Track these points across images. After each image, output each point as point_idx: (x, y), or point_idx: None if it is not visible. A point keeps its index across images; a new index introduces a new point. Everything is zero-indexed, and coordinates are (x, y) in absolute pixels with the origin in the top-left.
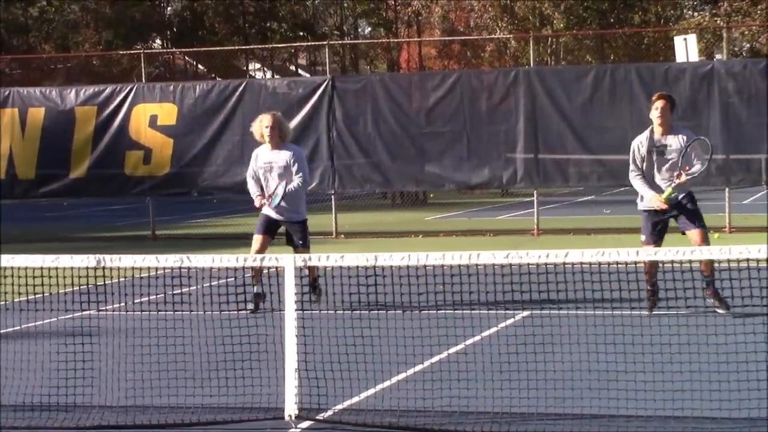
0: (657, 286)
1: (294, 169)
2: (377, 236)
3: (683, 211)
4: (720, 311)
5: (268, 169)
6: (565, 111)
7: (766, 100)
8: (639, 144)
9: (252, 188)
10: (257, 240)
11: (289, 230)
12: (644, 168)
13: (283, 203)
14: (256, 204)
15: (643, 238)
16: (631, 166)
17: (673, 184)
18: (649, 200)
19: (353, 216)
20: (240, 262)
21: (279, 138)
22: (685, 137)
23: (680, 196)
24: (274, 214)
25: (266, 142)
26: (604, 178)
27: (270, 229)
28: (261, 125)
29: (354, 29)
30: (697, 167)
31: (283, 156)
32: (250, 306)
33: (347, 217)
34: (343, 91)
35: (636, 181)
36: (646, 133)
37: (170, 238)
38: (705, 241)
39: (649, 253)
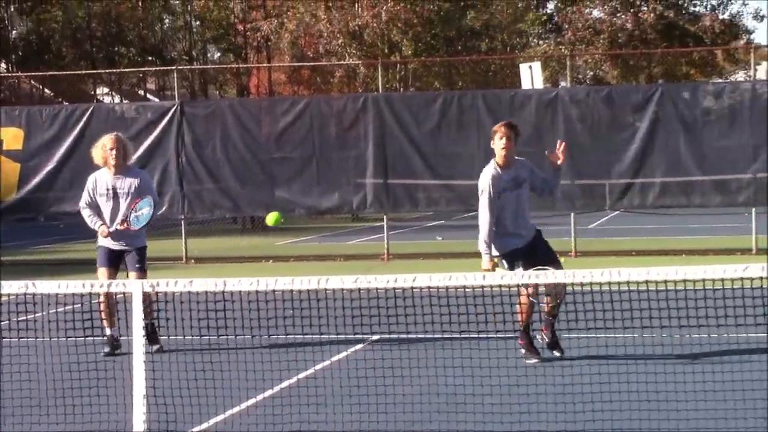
0: (530, 332)
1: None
2: (228, 261)
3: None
4: (531, 361)
5: (111, 195)
6: (414, 136)
7: (608, 126)
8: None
9: (91, 217)
10: (103, 274)
11: (127, 258)
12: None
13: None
14: (101, 234)
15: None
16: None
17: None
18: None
19: (204, 241)
20: (87, 288)
21: (123, 161)
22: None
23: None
24: (114, 245)
25: (110, 167)
26: (453, 203)
27: (113, 261)
28: (104, 148)
29: (203, 54)
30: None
31: (129, 181)
32: (106, 349)
33: (197, 242)
34: (192, 116)
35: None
36: (491, 164)
37: (16, 264)
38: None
39: (495, 278)
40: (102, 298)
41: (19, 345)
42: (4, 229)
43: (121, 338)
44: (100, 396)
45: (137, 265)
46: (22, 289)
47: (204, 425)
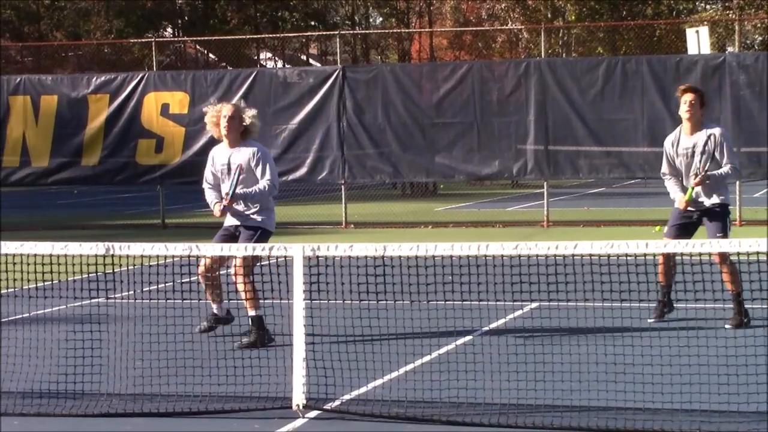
0: (669, 293)
1: (258, 171)
2: (387, 227)
3: (707, 221)
4: (727, 326)
5: (225, 171)
6: (576, 103)
7: None
8: (669, 144)
9: (209, 196)
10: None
11: (240, 237)
12: (681, 169)
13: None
14: (216, 213)
15: (665, 230)
16: (663, 167)
17: (691, 184)
18: (675, 199)
19: (363, 206)
20: (249, 251)
21: (238, 133)
22: (716, 134)
23: (707, 202)
24: (229, 222)
25: (223, 138)
26: (615, 170)
27: (225, 239)
28: (218, 115)
29: (365, 19)
30: (725, 168)
31: (244, 155)
32: (204, 324)
33: (357, 207)
34: (354, 81)
35: (666, 183)
36: (676, 132)
37: (180, 227)
38: (723, 258)
39: (658, 246)
40: (201, 270)
41: (183, 306)
42: (167, 191)
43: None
44: (261, 358)
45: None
46: (186, 251)
47: (362, 389)
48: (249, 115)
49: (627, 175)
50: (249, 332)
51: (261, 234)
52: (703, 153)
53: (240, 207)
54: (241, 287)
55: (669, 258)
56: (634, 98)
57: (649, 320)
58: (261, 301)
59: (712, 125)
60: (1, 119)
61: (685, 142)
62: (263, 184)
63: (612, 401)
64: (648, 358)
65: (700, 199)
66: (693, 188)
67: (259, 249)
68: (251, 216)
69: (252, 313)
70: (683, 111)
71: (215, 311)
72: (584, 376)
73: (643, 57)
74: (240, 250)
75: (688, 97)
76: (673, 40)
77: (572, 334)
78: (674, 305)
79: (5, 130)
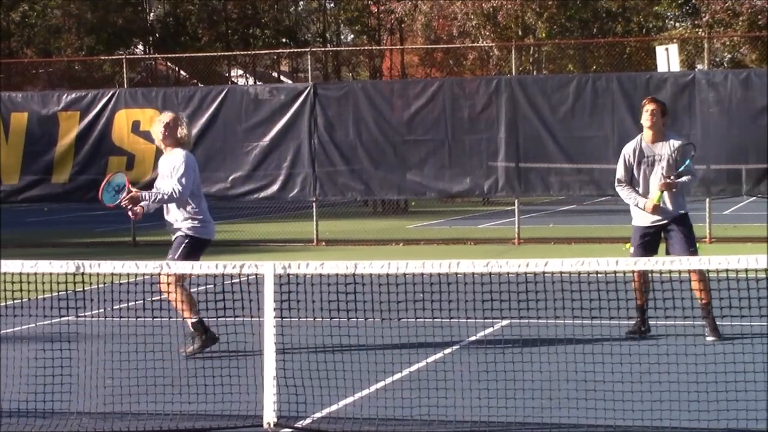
0: (646, 309)
1: (174, 176)
2: (358, 244)
3: (674, 231)
4: (709, 339)
5: (159, 175)
6: (547, 120)
7: (746, 110)
8: (629, 153)
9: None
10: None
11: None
12: (637, 177)
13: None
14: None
15: (631, 250)
16: (618, 174)
17: (659, 184)
18: (638, 204)
19: (334, 223)
20: (219, 269)
21: (173, 139)
22: (676, 143)
23: (673, 211)
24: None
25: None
26: (586, 187)
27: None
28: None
29: (336, 36)
30: (688, 177)
31: (169, 160)
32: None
33: (328, 224)
34: (326, 98)
35: (622, 191)
36: (637, 139)
37: (151, 245)
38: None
39: (628, 263)
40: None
41: (153, 324)
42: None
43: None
44: (231, 377)
45: (169, 255)
46: (156, 269)
47: (334, 407)
48: (185, 126)
49: (597, 192)
50: (193, 339)
51: (190, 242)
52: (668, 161)
53: (171, 217)
54: (173, 297)
55: (642, 275)
56: (605, 115)
57: (621, 324)
58: (199, 310)
59: (676, 136)
60: None
61: (646, 150)
62: (167, 187)
63: (583, 419)
64: (618, 375)
65: (665, 207)
66: (661, 192)
67: (230, 267)
68: (179, 225)
69: (193, 320)
70: (645, 119)
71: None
72: (555, 393)
73: (614, 74)
74: (205, 267)
75: (650, 107)
76: (643, 58)
77: (543, 351)
78: (649, 324)
79: None
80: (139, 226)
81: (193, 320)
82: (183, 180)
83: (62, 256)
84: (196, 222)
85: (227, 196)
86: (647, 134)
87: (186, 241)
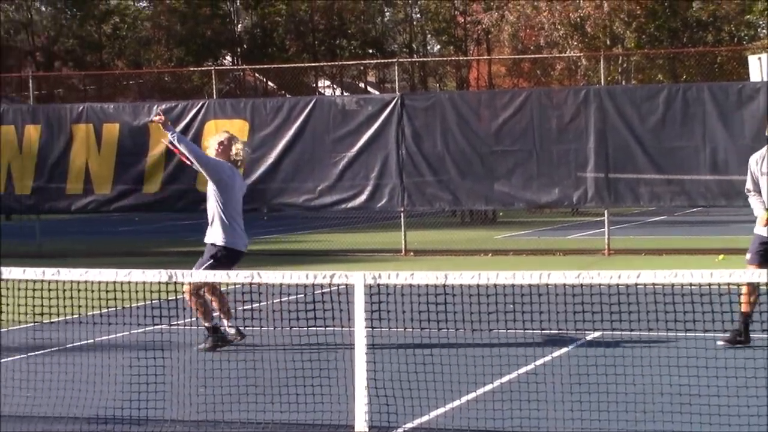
0: (749, 321)
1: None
2: (446, 254)
3: None
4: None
5: None
6: (636, 130)
7: None
8: (753, 162)
9: None
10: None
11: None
12: (764, 188)
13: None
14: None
15: (748, 257)
16: (747, 184)
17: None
18: (756, 214)
19: (422, 233)
20: (310, 279)
21: (226, 157)
22: None
23: None
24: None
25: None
26: (677, 198)
27: None
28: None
29: (423, 47)
30: None
31: None
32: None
33: (416, 234)
34: (413, 109)
35: (750, 199)
36: (762, 150)
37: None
38: None
39: (722, 275)
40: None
41: (245, 333)
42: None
43: (343, 329)
44: (322, 386)
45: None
46: (247, 278)
47: (425, 418)
48: (240, 147)
49: (689, 203)
50: (206, 339)
51: (220, 251)
52: None
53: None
54: (191, 304)
55: (753, 287)
56: (696, 125)
57: (718, 342)
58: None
59: None
60: (65, 147)
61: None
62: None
63: (677, 431)
64: (714, 389)
65: None
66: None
67: (321, 277)
68: (209, 234)
69: (207, 324)
70: None
71: (227, 326)
72: (649, 406)
73: (705, 84)
74: (296, 277)
75: None
76: (735, 67)
77: (636, 363)
78: (750, 336)
79: (69, 157)
80: None
81: (209, 325)
82: (209, 160)
83: (154, 265)
84: (228, 231)
85: (315, 207)
86: None
87: (214, 250)
